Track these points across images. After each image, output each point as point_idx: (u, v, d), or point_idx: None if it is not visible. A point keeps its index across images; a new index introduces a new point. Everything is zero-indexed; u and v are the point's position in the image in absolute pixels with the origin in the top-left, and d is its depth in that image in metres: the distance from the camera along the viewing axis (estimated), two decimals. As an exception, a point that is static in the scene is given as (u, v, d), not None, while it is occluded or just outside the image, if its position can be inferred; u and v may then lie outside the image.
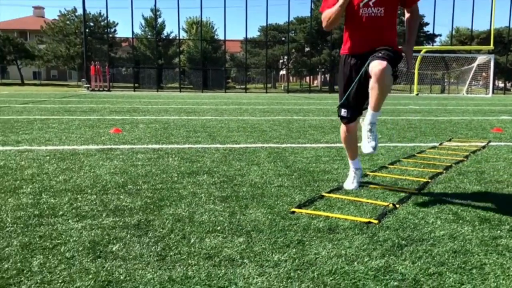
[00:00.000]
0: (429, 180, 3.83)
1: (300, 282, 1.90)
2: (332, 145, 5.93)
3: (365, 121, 3.17)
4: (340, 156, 5.03)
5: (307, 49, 46.04)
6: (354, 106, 3.35)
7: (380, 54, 3.01)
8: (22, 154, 4.92)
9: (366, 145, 3.15)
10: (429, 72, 37.86)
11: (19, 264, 2.04)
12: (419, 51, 32.68)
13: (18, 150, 5.19)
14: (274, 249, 2.26)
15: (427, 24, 50.12)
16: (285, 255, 2.19)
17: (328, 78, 52.04)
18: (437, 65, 37.33)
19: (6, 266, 2.02)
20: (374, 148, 3.13)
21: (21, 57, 51.67)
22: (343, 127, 3.52)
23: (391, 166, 4.49)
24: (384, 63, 2.92)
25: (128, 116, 10.41)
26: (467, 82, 35.52)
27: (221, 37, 56.58)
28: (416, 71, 32.59)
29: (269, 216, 2.79)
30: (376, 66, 2.94)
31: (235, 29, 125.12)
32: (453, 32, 42.54)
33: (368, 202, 3.13)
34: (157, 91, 35.20)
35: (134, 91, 33.55)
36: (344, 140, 3.58)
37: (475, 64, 34.35)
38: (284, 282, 1.90)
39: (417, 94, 32.62)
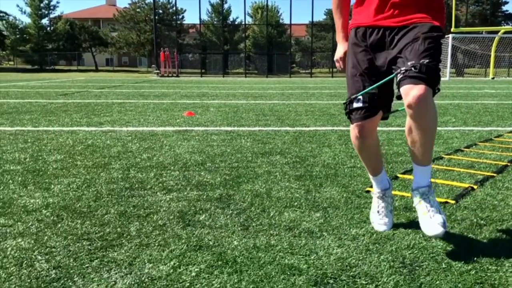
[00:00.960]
0: (508, 164, 3.72)
1: (379, 254, 1.98)
2: (405, 128, 5.85)
3: (413, 186, 2.07)
4: (412, 139, 4.97)
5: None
6: (374, 96, 2.12)
7: (414, 67, 1.86)
8: (106, 134, 5.29)
9: (428, 224, 1.95)
10: (507, 55, 35.67)
11: (118, 229, 2.26)
12: (496, 32, 30.83)
13: (102, 131, 5.58)
14: (351, 224, 2.34)
15: (506, 3, 47.04)
16: (363, 229, 2.27)
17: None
18: (517, 46, 35.08)
19: (108, 230, 2.26)
20: (444, 224, 1.93)
21: (95, 45, 54.40)
22: (353, 130, 2.19)
23: (467, 150, 4.39)
24: (422, 89, 1.82)
25: (198, 100, 10.75)
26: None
27: (287, 21, 56.31)
28: (492, 54, 30.82)
29: (344, 195, 2.87)
30: (410, 95, 1.85)
31: (300, 13, 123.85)
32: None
33: (444, 184, 3.11)
34: (223, 76, 35.83)
35: (201, 76, 34.35)
36: (358, 150, 2.27)
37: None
38: (363, 254, 1.98)
39: (493, 78, 30.89)
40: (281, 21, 50.75)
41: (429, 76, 1.84)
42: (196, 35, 46.31)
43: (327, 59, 57.22)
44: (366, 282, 1.73)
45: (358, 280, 1.75)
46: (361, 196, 2.84)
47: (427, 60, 1.86)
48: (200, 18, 36.89)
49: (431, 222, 1.93)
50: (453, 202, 2.68)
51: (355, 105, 2.11)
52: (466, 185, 3.04)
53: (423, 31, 1.94)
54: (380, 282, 1.73)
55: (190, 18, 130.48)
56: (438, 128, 5.85)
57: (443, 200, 2.71)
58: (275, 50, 44.74)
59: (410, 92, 1.84)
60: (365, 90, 2.08)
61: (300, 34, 55.95)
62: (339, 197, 2.81)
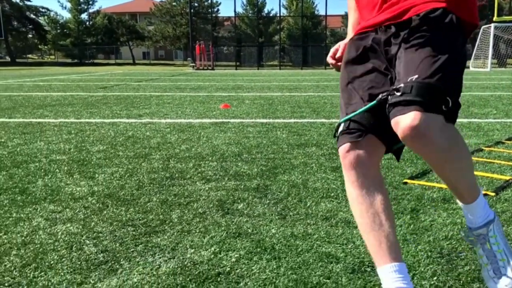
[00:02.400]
0: (553, 157, 3.62)
1: (416, 244, 1.99)
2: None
3: (466, 225, 1.51)
4: (451, 131, 4.89)
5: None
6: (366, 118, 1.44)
7: (397, 89, 1.28)
8: (146, 126, 5.44)
9: (490, 284, 1.43)
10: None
11: (161, 216, 2.36)
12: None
13: (141, 123, 5.74)
14: (388, 215, 2.35)
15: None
16: (400, 220, 2.28)
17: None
18: None
19: (151, 217, 2.35)
20: None
21: (132, 38, 55.44)
22: (346, 170, 1.46)
23: (508, 142, 4.28)
24: (411, 118, 1.23)
25: (234, 93, 10.84)
26: None
27: (322, 12, 55.78)
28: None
29: (381, 186, 2.87)
30: (399, 128, 1.26)
31: (336, 3, 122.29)
32: None
33: (484, 176, 3.07)
34: (258, 68, 35.86)
35: (236, 69, 34.50)
36: (352, 199, 1.47)
37: None
38: (400, 243, 1.99)
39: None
40: (316, 12, 50.30)
41: (423, 97, 1.23)
42: (231, 28, 46.49)
43: (363, 50, 56.28)
44: (404, 271, 1.74)
45: (395, 269, 1.76)
46: (398, 187, 2.84)
47: (420, 76, 1.26)
48: (235, 11, 37.01)
49: (492, 285, 1.42)
50: (493, 194, 2.65)
51: (342, 126, 1.48)
52: (507, 178, 2.98)
53: (421, 26, 1.34)
54: (417, 272, 1.74)
55: (225, 10, 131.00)
56: (478, 120, 5.72)
57: (483, 192, 2.68)
58: (310, 41, 44.43)
59: (398, 124, 1.25)
60: (352, 114, 1.43)
61: (335, 25, 55.30)
62: (376, 188, 2.81)
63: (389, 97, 1.30)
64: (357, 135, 1.41)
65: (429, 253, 1.89)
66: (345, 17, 42.44)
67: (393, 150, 1.51)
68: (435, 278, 1.69)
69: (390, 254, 1.37)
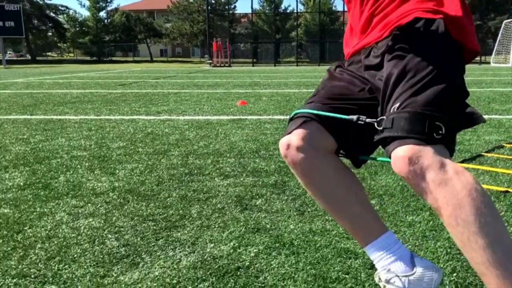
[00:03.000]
0: None
1: (435, 240, 1.98)
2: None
3: None
4: (472, 128, 4.83)
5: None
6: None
7: (378, 122, 1.15)
8: (164, 123, 5.49)
9: None
10: None
11: (181, 211, 2.39)
12: None
13: (160, 120, 5.79)
14: (407, 212, 2.35)
15: None
16: (419, 217, 2.27)
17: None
18: None
19: (171, 212, 2.38)
20: None
21: (150, 36, 55.87)
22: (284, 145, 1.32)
23: (530, 139, 4.22)
24: (402, 158, 1.05)
25: (251, 89, 10.86)
26: None
27: (339, 8, 55.39)
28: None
29: (400, 183, 2.86)
30: (395, 167, 1.08)
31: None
32: None
33: (505, 173, 3.03)
34: (275, 65, 35.81)
35: (253, 66, 34.51)
36: (304, 180, 1.35)
37: None
38: (419, 240, 1.99)
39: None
40: (333, 8, 50.00)
41: (406, 130, 1.06)
42: (248, 25, 46.49)
43: (381, 46, 55.83)
44: (423, 267, 1.74)
45: (414, 265, 1.77)
46: (417, 184, 2.82)
47: (401, 104, 1.09)
48: (252, 7, 37.09)
49: None
50: (514, 191, 2.62)
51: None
52: (529, 175, 2.95)
53: (403, 38, 1.19)
54: (437, 268, 1.74)
55: (242, 7, 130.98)
56: (499, 116, 5.64)
57: (503, 189, 2.66)
58: (327, 37, 44.18)
59: (394, 166, 1.08)
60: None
61: (353, 21, 54.78)
62: (395, 185, 2.81)
63: (377, 134, 1.14)
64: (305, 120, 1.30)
65: (449, 250, 1.89)
66: (362, 12, 42.02)
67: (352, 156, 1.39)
68: (454, 274, 1.69)
69: (364, 236, 1.34)
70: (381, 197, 2.59)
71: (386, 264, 1.29)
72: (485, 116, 5.67)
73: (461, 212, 1.00)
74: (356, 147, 1.35)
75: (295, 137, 1.29)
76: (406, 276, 1.25)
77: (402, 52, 1.17)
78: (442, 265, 1.75)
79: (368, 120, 1.18)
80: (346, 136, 1.31)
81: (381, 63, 1.23)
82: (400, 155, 1.05)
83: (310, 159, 1.28)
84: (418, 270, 1.24)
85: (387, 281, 1.28)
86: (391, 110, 1.11)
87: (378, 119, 1.14)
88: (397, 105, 1.11)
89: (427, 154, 1.04)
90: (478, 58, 34.83)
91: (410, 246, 1.93)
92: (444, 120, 1.07)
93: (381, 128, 1.12)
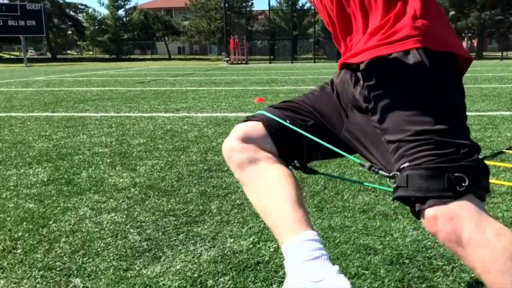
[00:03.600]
0: None
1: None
2: (483, 113, 5.62)
3: None
4: (493, 124, 4.77)
5: (452, 12, 42.62)
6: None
7: (392, 176, 1.04)
8: (183, 120, 5.54)
9: None
10: None
11: (201, 207, 2.42)
12: None
13: (179, 117, 5.85)
14: (427, 208, 2.34)
15: None
16: (439, 214, 2.26)
17: (475, 44, 47.76)
18: None
19: (191, 207, 2.42)
20: None
21: (168, 34, 56.19)
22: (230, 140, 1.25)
23: (553, 135, 4.15)
24: (432, 222, 0.95)
25: (268, 86, 10.87)
26: None
27: (357, 4, 54.78)
28: None
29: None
30: (436, 235, 0.97)
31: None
32: None
33: (526, 170, 3.00)
34: (292, 62, 35.71)
35: (270, 63, 34.47)
36: (240, 171, 1.23)
37: None
38: (439, 237, 1.99)
39: None
40: (351, 4, 49.54)
41: (427, 190, 0.94)
42: (265, 22, 46.46)
43: (399, 42, 55.16)
44: (443, 264, 1.74)
45: (434, 261, 1.77)
46: (437, 181, 2.81)
47: (410, 163, 0.98)
48: (269, 4, 36.86)
49: None
50: (536, 188, 2.59)
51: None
52: (552, 172, 2.91)
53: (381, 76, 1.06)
54: (457, 264, 1.74)
55: (259, 4, 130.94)
56: (521, 113, 5.55)
57: (525, 186, 2.63)
58: (345, 34, 43.76)
59: (425, 225, 0.99)
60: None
61: (371, 17, 54.31)
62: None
63: (393, 191, 1.02)
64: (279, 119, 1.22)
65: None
66: (381, 8, 41.56)
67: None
68: (475, 271, 1.68)
69: (282, 233, 1.12)
70: (400, 194, 2.58)
71: (294, 266, 1.06)
72: (507, 113, 5.60)
73: (504, 280, 0.87)
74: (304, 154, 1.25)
75: (235, 136, 1.23)
76: (312, 282, 1.01)
77: (387, 91, 1.04)
78: (462, 261, 1.75)
79: (381, 172, 1.10)
80: (289, 145, 1.23)
81: (367, 104, 1.11)
82: (429, 216, 0.95)
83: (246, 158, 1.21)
84: (326, 280, 1.01)
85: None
86: (401, 166, 0.99)
87: (391, 174, 1.03)
88: (406, 160, 0.98)
89: (456, 213, 0.92)
90: (499, 53, 34.22)
91: (430, 243, 1.92)
92: (464, 168, 0.94)
93: (394, 185, 1.00)
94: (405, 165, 0.98)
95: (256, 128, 1.22)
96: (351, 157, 1.21)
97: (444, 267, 1.72)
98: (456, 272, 1.68)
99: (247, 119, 1.27)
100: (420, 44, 1.02)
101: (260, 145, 1.22)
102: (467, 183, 0.92)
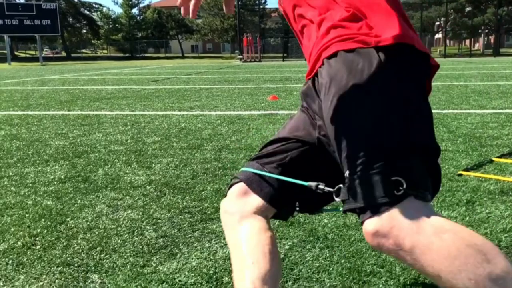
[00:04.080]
0: None
1: (472, 236, 1.96)
2: (501, 111, 5.55)
3: None
4: (510, 122, 4.71)
5: (468, 8, 42.10)
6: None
7: (343, 197, 0.96)
8: (197, 118, 5.57)
9: None
10: None
11: (215, 204, 2.44)
12: None
13: (193, 115, 5.88)
14: (443, 207, 2.33)
15: None
16: (455, 212, 2.25)
17: (492, 40, 47.13)
18: None
19: (206, 205, 2.44)
20: None
21: (181, 32, 56.42)
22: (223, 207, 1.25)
23: None
24: (367, 225, 0.91)
25: (282, 84, 10.86)
26: None
27: (371, 1, 54.39)
28: None
29: (435, 177, 2.83)
30: (375, 247, 0.92)
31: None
32: None
33: (544, 168, 2.96)
34: (305, 60, 35.56)
35: (283, 60, 34.40)
36: (230, 240, 1.22)
37: None
38: (455, 235, 1.98)
39: None
40: (365, 1, 49.21)
41: (363, 199, 0.90)
42: (278, 19, 46.36)
43: (414, 39, 54.61)
44: (459, 262, 1.73)
45: (450, 260, 1.76)
46: (453, 179, 2.78)
47: (350, 171, 0.93)
48: (282, 2, 36.73)
49: None
50: (554, 187, 2.56)
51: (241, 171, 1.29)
52: None
53: (333, 87, 0.98)
54: (473, 263, 1.72)
55: (272, 2, 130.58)
56: (539, 111, 5.46)
57: (543, 185, 2.59)
58: (358, 31, 43.49)
59: (367, 240, 0.94)
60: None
61: (385, 14, 53.86)
62: (430, 180, 2.78)
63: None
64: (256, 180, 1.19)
65: (486, 245, 1.86)
66: (395, 5, 41.22)
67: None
68: (492, 270, 1.67)
69: None
70: (416, 192, 2.57)
71: None
72: (524, 110, 5.52)
73: (456, 281, 0.83)
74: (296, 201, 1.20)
75: (226, 199, 1.23)
76: None
77: (334, 96, 0.97)
78: (479, 261, 1.74)
79: (326, 189, 1.04)
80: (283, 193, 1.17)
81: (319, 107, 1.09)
82: (367, 231, 0.90)
83: (232, 223, 1.20)
84: None
85: None
86: (345, 176, 0.95)
87: (335, 188, 0.99)
88: (346, 170, 0.94)
89: (395, 221, 0.87)
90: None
91: (446, 241, 1.91)
92: (401, 170, 0.88)
93: (339, 199, 0.97)
94: (346, 174, 0.94)
95: (240, 189, 1.19)
96: (300, 182, 1.12)
97: (460, 265, 1.71)
98: (473, 271, 1.67)
99: (232, 179, 1.25)
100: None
101: (247, 206, 1.18)
102: (404, 186, 0.87)
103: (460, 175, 2.85)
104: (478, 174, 2.85)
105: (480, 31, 45.97)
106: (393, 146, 0.90)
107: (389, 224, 0.87)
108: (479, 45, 57.15)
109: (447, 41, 54.17)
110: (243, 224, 1.15)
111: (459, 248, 0.83)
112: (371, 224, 0.89)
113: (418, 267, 0.87)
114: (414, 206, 0.87)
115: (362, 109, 0.93)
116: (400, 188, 0.86)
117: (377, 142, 0.91)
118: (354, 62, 0.96)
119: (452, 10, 43.50)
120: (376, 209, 0.88)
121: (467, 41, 51.89)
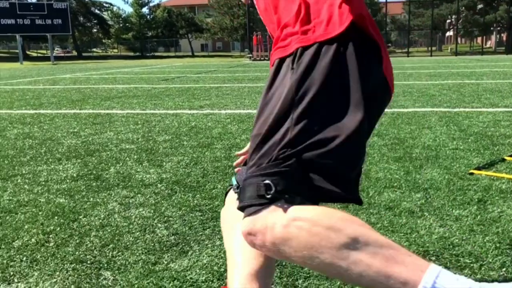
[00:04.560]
0: None
1: (483, 235, 1.95)
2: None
3: None
4: (521, 120, 4.67)
5: (480, 6, 41.69)
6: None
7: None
8: (207, 117, 5.59)
9: None
10: None
11: (226, 203, 2.45)
12: None
13: (203, 114, 5.90)
14: (454, 206, 2.32)
15: None
16: (466, 211, 2.24)
17: (504, 38, 46.63)
18: None
19: (216, 203, 2.45)
20: None
21: (191, 31, 56.57)
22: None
23: None
24: (245, 232, 0.95)
25: (292, 82, 10.84)
26: None
27: (381, -1, 54.22)
28: None
29: (446, 176, 2.82)
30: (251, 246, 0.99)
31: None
32: None
33: (557, 167, 2.94)
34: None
35: (293, 59, 34.25)
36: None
37: None
38: (466, 234, 1.97)
39: None
40: (375, -1, 48.97)
41: (242, 199, 0.95)
42: (288, 18, 46.21)
43: (425, 37, 54.40)
44: (470, 261, 1.73)
45: (461, 259, 1.75)
46: (464, 178, 2.77)
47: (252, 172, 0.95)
48: None
49: None
50: None
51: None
52: None
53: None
54: (485, 262, 1.72)
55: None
56: (552, 109, 5.40)
57: (556, 184, 2.57)
58: (369, 29, 43.28)
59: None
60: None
61: (396, 11, 53.64)
62: (441, 179, 2.77)
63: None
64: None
65: (498, 245, 1.86)
66: (406, 3, 41.03)
67: None
68: (504, 269, 1.66)
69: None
70: (427, 190, 2.56)
71: None
72: (537, 109, 5.47)
73: (323, 257, 0.87)
74: None
75: (223, 208, 1.30)
76: None
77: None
78: (490, 260, 1.73)
79: (237, 191, 1.08)
80: None
81: None
82: (242, 231, 0.95)
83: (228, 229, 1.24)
84: None
85: None
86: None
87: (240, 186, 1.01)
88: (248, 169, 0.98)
89: (261, 221, 0.91)
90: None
91: (457, 240, 1.91)
92: (274, 174, 0.92)
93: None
94: (249, 173, 0.97)
95: (233, 196, 1.23)
96: (233, 179, 1.21)
97: (471, 265, 1.71)
98: (484, 270, 1.67)
99: (228, 187, 1.29)
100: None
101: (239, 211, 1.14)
102: (273, 190, 0.90)
103: (472, 174, 2.84)
104: (489, 173, 2.83)
105: (492, 28, 45.52)
106: (276, 147, 0.93)
107: (257, 224, 0.91)
108: (491, 43, 56.55)
109: (459, 39, 53.63)
110: (235, 228, 1.17)
111: (311, 231, 0.87)
112: (244, 224, 0.94)
113: (296, 262, 0.91)
114: (283, 208, 0.91)
115: (262, 113, 0.99)
116: (269, 192, 0.91)
117: (265, 143, 0.95)
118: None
119: (463, 8, 43.14)
120: (248, 210, 0.93)
121: (479, 39, 51.35)
